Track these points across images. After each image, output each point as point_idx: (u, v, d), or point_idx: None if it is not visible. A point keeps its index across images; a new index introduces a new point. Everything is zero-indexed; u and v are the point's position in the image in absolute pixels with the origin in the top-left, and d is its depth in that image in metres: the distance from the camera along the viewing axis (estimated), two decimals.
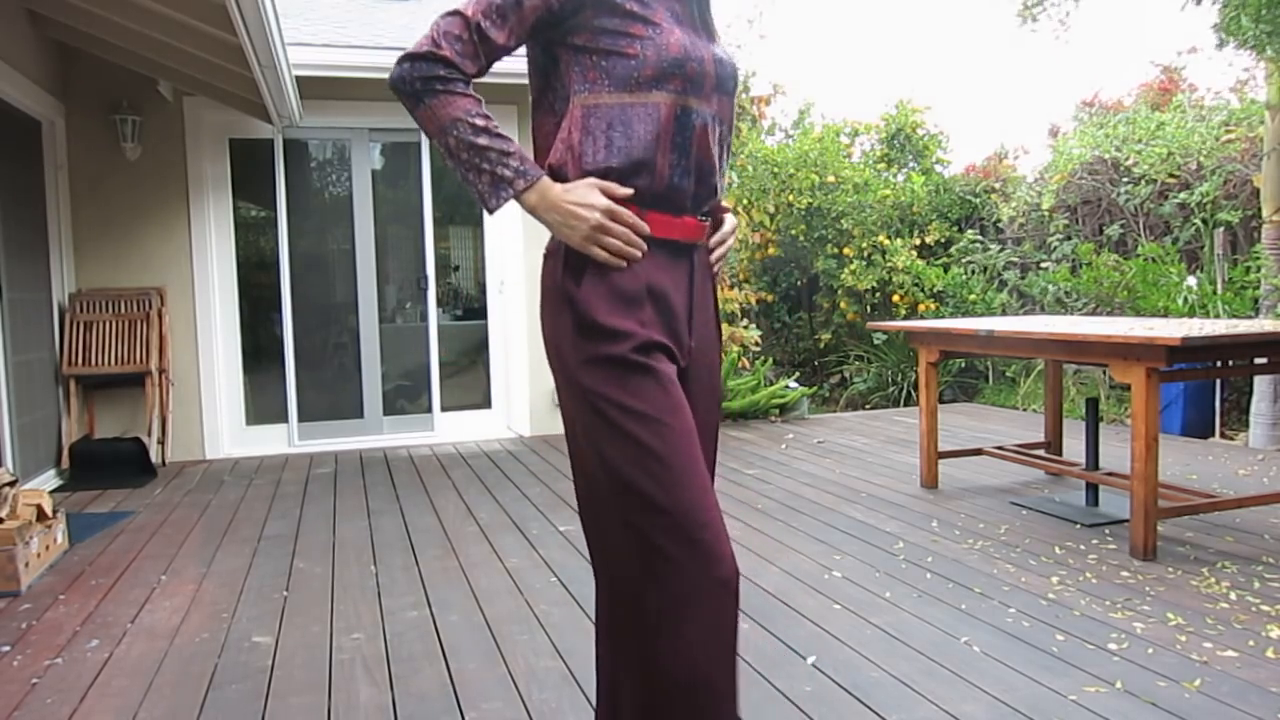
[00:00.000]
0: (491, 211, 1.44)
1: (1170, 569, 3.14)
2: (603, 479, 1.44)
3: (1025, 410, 6.99)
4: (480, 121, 1.38)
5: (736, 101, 1.62)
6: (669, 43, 1.40)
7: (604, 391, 1.41)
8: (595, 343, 1.42)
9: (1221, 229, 6.37)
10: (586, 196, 1.40)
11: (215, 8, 3.51)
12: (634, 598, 1.43)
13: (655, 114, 1.40)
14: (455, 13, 1.39)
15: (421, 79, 1.37)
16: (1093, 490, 3.97)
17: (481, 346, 6.51)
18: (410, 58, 1.38)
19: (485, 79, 1.54)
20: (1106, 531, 3.62)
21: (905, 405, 7.92)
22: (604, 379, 1.41)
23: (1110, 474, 3.85)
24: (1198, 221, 6.63)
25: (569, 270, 1.46)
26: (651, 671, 1.41)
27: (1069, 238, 7.65)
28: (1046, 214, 7.85)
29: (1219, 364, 3.45)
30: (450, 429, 6.33)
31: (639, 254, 1.43)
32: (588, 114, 1.41)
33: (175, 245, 5.68)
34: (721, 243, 1.63)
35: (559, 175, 1.45)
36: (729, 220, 1.67)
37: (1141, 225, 7.20)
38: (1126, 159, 7.15)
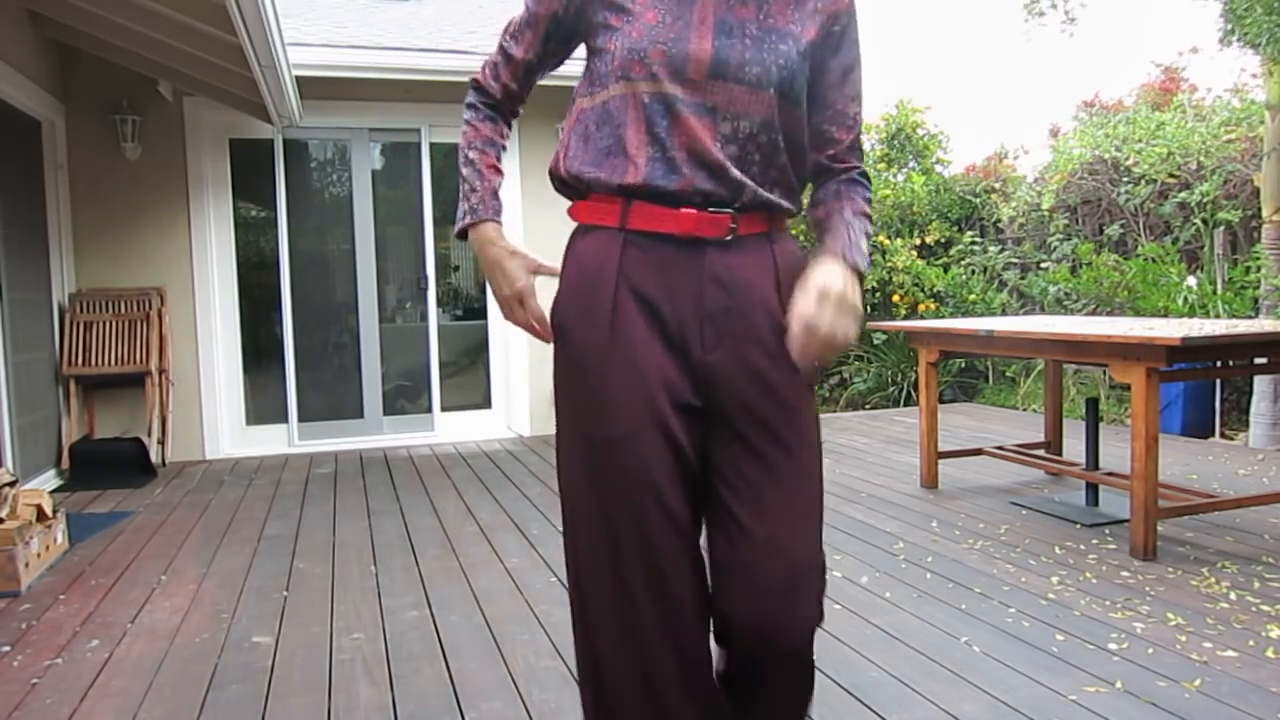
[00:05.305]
0: (455, 234, 1.49)
1: (1170, 569, 3.14)
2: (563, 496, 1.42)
3: (1025, 410, 6.99)
4: (473, 154, 1.45)
5: None
6: (634, 29, 1.30)
7: (560, 402, 1.42)
8: (559, 350, 1.41)
9: (1221, 229, 6.38)
10: (506, 266, 1.41)
11: (215, 8, 3.51)
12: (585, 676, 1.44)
13: (621, 106, 1.32)
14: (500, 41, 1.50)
15: (467, 105, 1.50)
16: (1093, 490, 3.97)
17: (481, 346, 6.50)
18: (469, 84, 1.51)
19: None
20: (1106, 531, 3.62)
21: (905, 405, 7.92)
22: (562, 391, 1.41)
23: (1110, 474, 3.85)
24: (1198, 221, 6.63)
25: (563, 267, 1.44)
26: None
27: (1069, 238, 7.65)
28: (1046, 214, 7.85)
29: (1219, 364, 3.45)
30: (450, 429, 6.33)
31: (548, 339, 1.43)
32: (573, 118, 1.41)
33: (175, 245, 5.68)
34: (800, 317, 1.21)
35: (559, 179, 1.44)
36: (817, 272, 1.25)
37: (1141, 225, 7.20)
38: (1127, 159, 7.15)
